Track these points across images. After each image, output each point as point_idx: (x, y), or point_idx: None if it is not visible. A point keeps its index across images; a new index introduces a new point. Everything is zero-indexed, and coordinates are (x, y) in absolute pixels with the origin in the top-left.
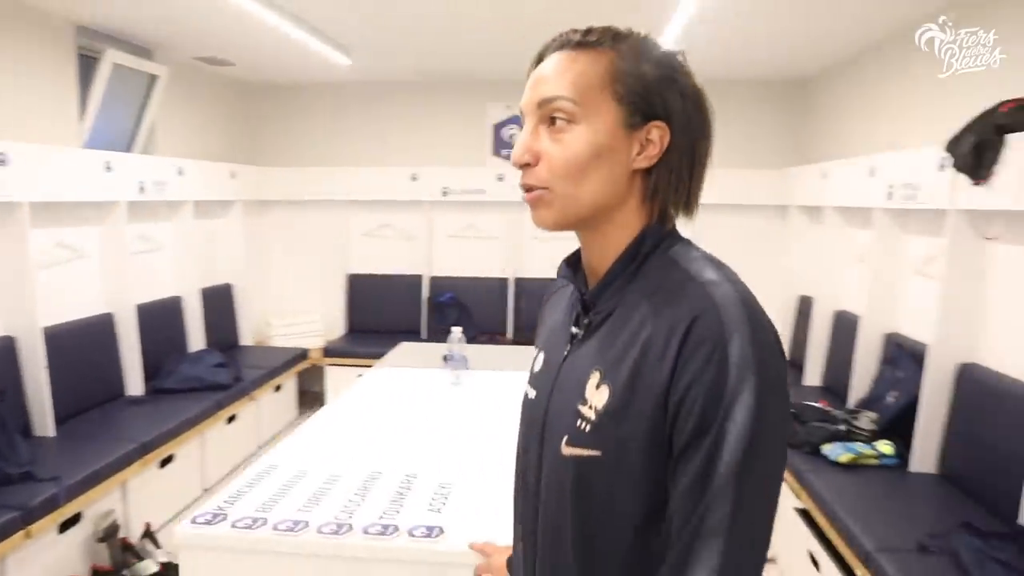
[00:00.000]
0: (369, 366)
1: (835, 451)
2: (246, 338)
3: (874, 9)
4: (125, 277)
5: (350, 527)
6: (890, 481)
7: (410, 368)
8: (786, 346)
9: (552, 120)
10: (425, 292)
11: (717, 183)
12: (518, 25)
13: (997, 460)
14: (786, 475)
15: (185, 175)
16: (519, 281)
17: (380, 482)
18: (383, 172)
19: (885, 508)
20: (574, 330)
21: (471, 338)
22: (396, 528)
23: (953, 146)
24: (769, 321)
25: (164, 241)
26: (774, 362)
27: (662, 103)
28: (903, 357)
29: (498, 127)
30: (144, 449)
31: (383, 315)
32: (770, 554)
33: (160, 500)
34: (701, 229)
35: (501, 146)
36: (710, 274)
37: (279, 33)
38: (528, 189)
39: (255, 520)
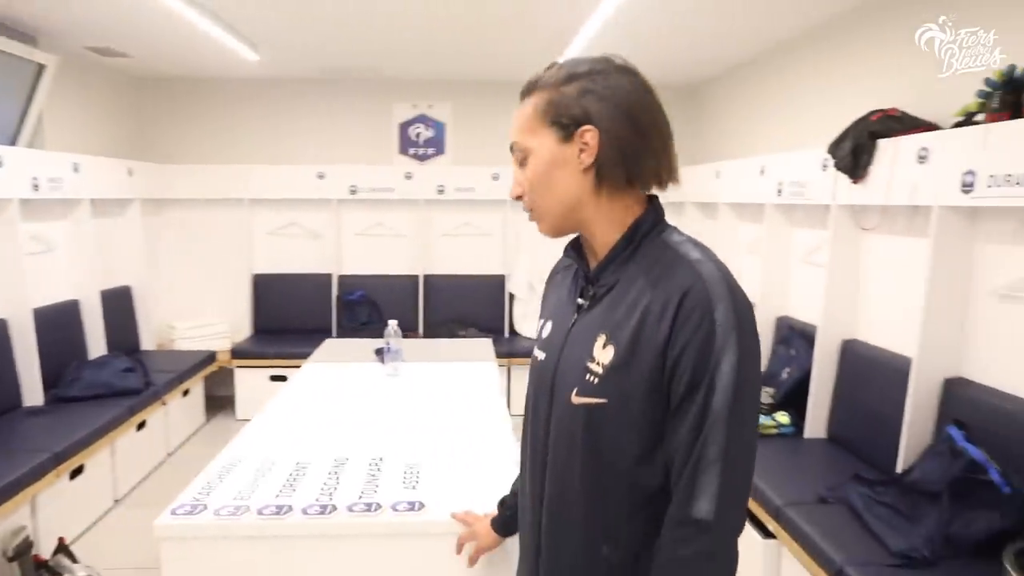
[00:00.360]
0: (281, 367)
1: None
2: (147, 342)
3: (760, 22)
4: (19, 280)
5: (334, 507)
6: (789, 447)
7: (342, 363)
8: None
9: (518, 158)
10: (335, 291)
11: None
12: (424, 25)
13: (875, 421)
14: None
15: (81, 172)
16: (428, 278)
17: (349, 466)
18: (289, 170)
19: (787, 469)
20: (580, 301)
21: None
22: (379, 505)
23: (834, 149)
24: (743, 292)
25: (59, 241)
26: (750, 324)
27: (583, 111)
28: (795, 337)
29: (404, 126)
30: (56, 460)
31: (291, 315)
32: None
33: (72, 513)
34: None
35: (408, 145)
36: (696, 254)
37: (180, 24)
38: (528, 211)
39: (237, 508)
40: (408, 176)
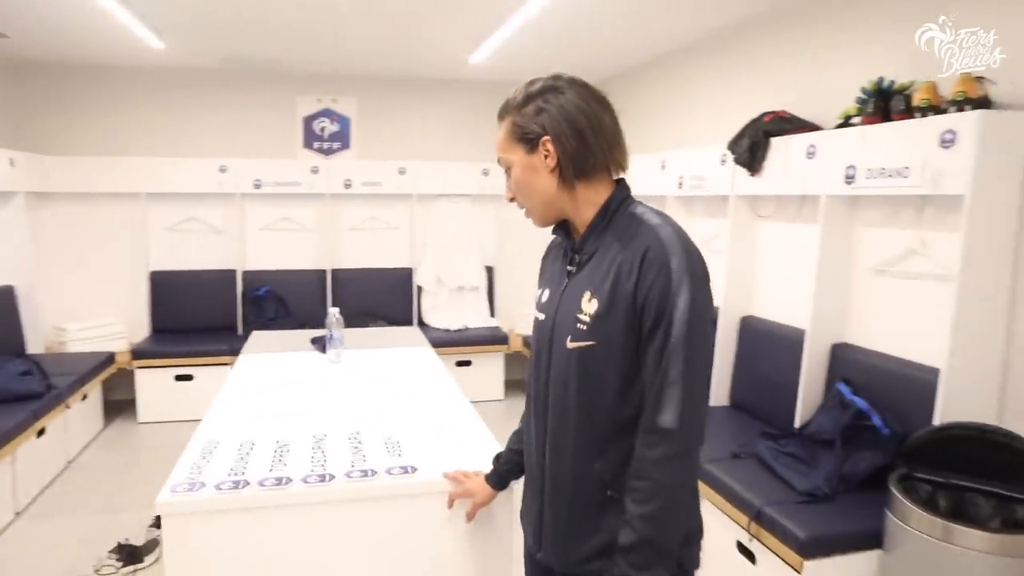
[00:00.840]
0: (187, 366)
1: None
2: (34, 345)
3: (661, 26)
4: None
5: (332, 476)
6: None
7: (279, 353)
8: None
9: (505, 169)
10: (239, 287)
11: None
12: (328, 19)
13: (773, 386)
14: None
15: None
16: (336, 272)
17: (330, 441)
18: (188, 163)
19: None
20: (569, 268)
21: (291, 330)
22: (374, 471)
23: (734, 146)
24: (695, 247)
25: None
26: (700, 272)
27: (540, 126)
28: None
29: (309, 120)
30: None
31: (193, 313)
32: None
33: None
34: (508, 220)
35: (312, 139)
36: (656, 220)
37: (71, 5)
38: (523, 210)
39: (237, 482)
40: (314, 170)
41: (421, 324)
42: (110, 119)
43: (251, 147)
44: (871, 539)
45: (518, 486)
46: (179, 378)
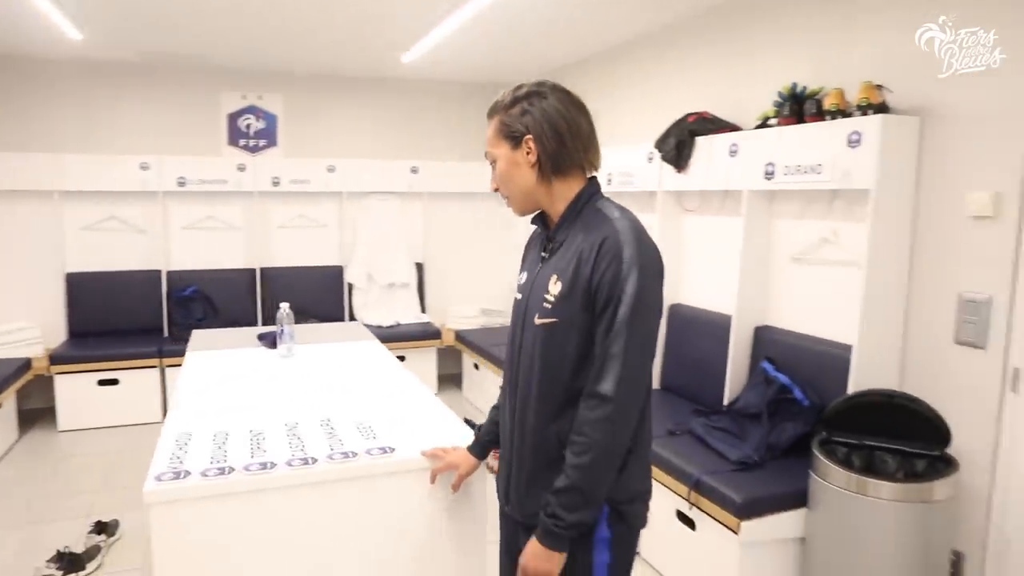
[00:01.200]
0: (111, 369)
1: None
2: None
3: (586, 31)
4: None
5: (315, 459)
6: None
7: (228, 349)
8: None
9: (491, 162)
10: (164, 287)
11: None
12: (253, 13)
13: (701, 368)
14: None
15: None
16: (266, 270)
17: (304, 428)
18: (107, 160)
19: None
20: (543, 255)
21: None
22: (355, 453)
23: (661, 144)
24: (650, 240)
25: None
26: (649, 262)
27: (523, 126)
28: None
29: (233, 116)
30: None
31: (114, 315)
32: None
33: None
34: (437, 218)
35: (238, 136)
36: (616, 214)
37: None
38: (504, 199)
39: (222, 468)
40: (241, 168)
41: (353, 321)
42: (20, 113)
43: (174, 144)
44: (797, 499)
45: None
46: (103, 383)
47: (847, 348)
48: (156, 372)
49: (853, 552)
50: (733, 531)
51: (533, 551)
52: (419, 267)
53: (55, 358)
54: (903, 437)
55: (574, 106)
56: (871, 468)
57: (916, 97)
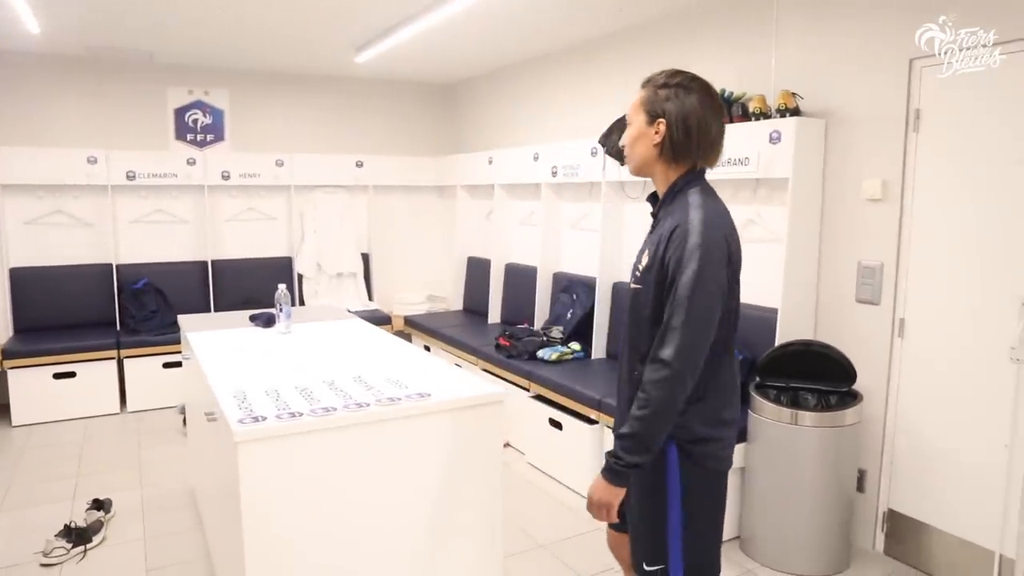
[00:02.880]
0: (67, 362)
1: (546, 353)
2: None
3: (526, 37)
4: None
5: (367, 403)
6: (584, 365)
7: (225, 329)
8: (460, 300)
9: (628, 122)
10: (115, 281)
11: (395, 169)
12: (203, 11)
13: None
14: (517, 377)
15: None
16: (216, 263)
17: (342, 383)
18: (52, 154)
19: (589, 378)
20: (649, 231)
21: (173, 321)
22: (398, 398)
23: (605, 140)
24: (719, 231)
25: None
26: (710, 250)
27: (662, 109)
28: (574, 285)
29: (180, 111)
30: None
31: (63, 310)
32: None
33: None
34: (382, 209)
35: (185, 131)
36: (696, 203)
37: None
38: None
39: (292, 414)
40: (191, 162)
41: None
42: None
43: (122, 139)
44: (739, 436)
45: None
46: (59, 376)
47: (772, 310)
48: (113, 364)
49: (783, 474)
50: None
51: (597, 483)
52: (365, 257)
53: (8, 352)
54: (819, 378)
55: (712, 109)
56: (796, 404)
57: (820, 102)
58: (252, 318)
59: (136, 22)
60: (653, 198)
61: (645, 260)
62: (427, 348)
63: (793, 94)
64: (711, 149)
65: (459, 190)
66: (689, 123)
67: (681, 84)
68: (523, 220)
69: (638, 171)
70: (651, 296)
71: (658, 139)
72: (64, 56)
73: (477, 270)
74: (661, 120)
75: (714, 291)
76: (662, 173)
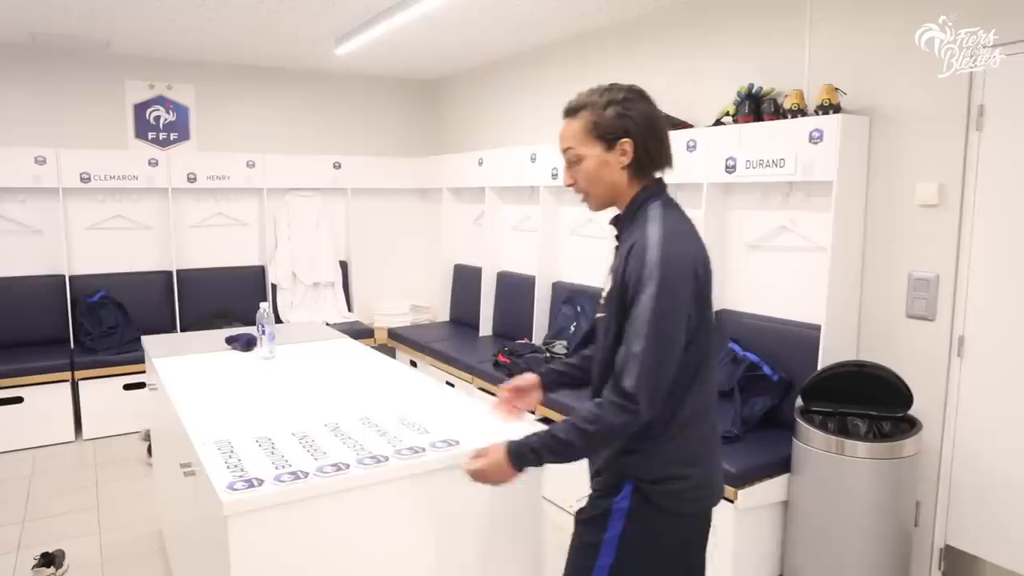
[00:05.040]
0: (14, 386)
1: None
2: None
3: (523, 27)
4: None
5: (385, 457)
6: None
7: (199, 355)
8: (446, 310)
9: (572, 159)
10: (68, 294)
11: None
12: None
13: None
14: None
15: None
16: (182, 273)
17: (347, 427)
18: None
19: None
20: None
21: (134, 338)
22: (423, 448)
23: None
24: (678, 247)
25: None
26: (673, 270)
27: (623, 128)
28: (579, 296)
29: (140, 108)
30: None
31: (8, 327)
32: None
33: None
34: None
35: (147, 129)
36: (655, 218)
37: None
38: (580, 196)
39: (294, 473)
40: (153, 163)
41: (279, 323)
42: None
43: (74, 137)
44: (780, 466)
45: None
46: (4, 401)
47: (813, 327)
48: (67, 387)
49: (833, 509)
50: (730, 500)
51: (497, 459)
52: (343, 265)
53: None
54: (868, 402)
55: (660, 113)
56: (844, 431)
57: (863, 98)
58: (229, 340)
59: (89, 6)
60: (616, 220)
61: (608, 284)
62: (413, 363)
63: (836, 89)
64: (670, 154)
65: (445, 193)
66: (659, 132)
67: (627, 97)
68: (517, 225)
69: (607, 204)
70: (614, 321)
71: (626, 160)
72: (6, 44)
73: (465, 278)
74: (625, 140)
75: (677, 312)
76: (628, 194)
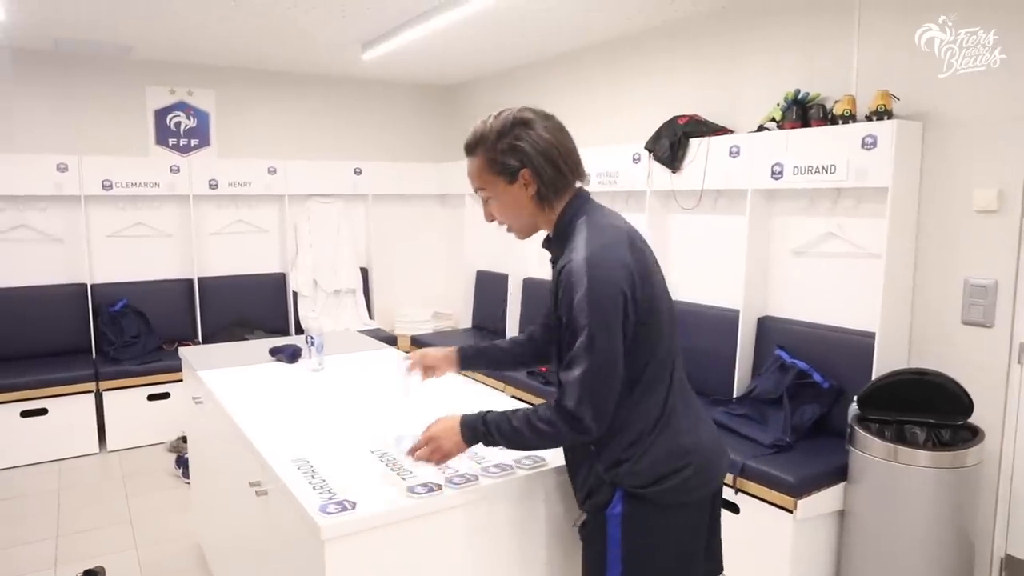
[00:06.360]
0: (37, 398)
1: None
2: None
3: (557, 31)
4: None
5: (474, 476)
6: None
7: (244, 367)
8: (468, 317)
9: (484, 198)
10: (91, 303)
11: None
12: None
13: (708, 361)
14: None
15: None
16: (203, 280)
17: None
18: (16, 160)
19: None
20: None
21: (156, 347)
22: (509, 465)
23: (652, 145)
24: (605, 267)
25: None
26: (599, 294)
27: (518, 159)
28: None
29: (161, 113)
30: None
31: (31, 337)
32: None
33: None
34: (376, 217)
35: (167, 135)
36: (581, 235)
37: None
38: (507, 229)
39: (385, 496)
40: (174, 169)
41: (300, 332)
42: None
43: (95, 144)
44: (835, 475)
45: None
46: (27, 413)
47: (866, 334)
48: (91, 398)
49: (892, 518)
50: (787, 510)
51: (451, 433)
52: (364, 272)
53: None
54: (925, 411)
55: (557, 129)
56: (901, 439)
57: (915, 103)
58: (273, 352)
59: (111, 12)
60: (547, 243)
61: (548, 306)
62: None
63: (891, 95)
64: (577, 163)
65: (467, 199)
66: (551, 155)
67: (516, 123)
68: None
69: (532, 230)
70: (555, 344)
71: (532, 190)
72: (28, 51)
73: (489, 285)
74: (523, 171)
75: (612, 330)
76: (547, 218)
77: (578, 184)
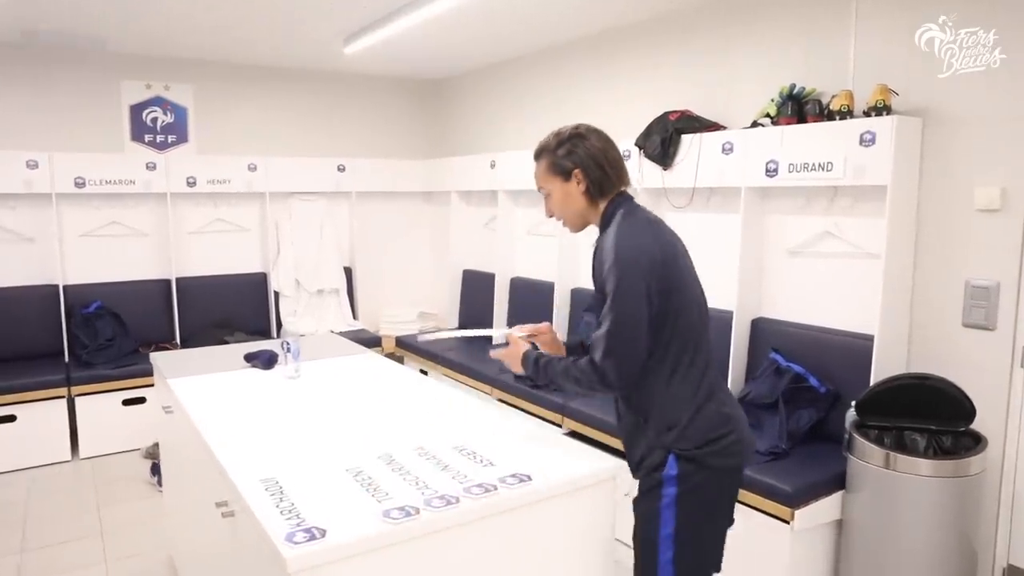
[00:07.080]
0: (5, 404)
1: None
2: None
3: (543, 25)
4: None
5: (455, 498)
6: None
7: (215, 374)
8: (455, 317)
9: (545, 194)
10: (63, 305)
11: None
12: None
13: None
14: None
15: None
16: (181, 281)
17: (402, 460)
18: None
19: None
20: None
21: (132, 350)
22: (494, 486)
23: (643, 141)
24: (630, 243)
25: None
26: (628, 261)
27: (571, 163)
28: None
29: (137, 109)
30: None
31: (2, 339)
32: None
33: None
34: (359, 215)
35: (143, 131)
36: (615, 223)
37: None
38: (561, 222)
39: (357, 522)
40: (151, 167)
41: (281, 332)
42: None
43: (68, 140)
44: (833, 483)
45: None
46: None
47: (864, 337)
48: (63, 403)
49: (892, 528)
50: (783, 520)
51: (517, 351)
52: (348, 271)
53: None
54: (924, 416)
55: (606, 141)
56: (901, 446)
57: (914, 99)
58: (248, 357)
59: (83, 2)
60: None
61: (592, 285)
62: (424, 372)
63: (890, 90)
64: (621, 170)
65: (453, 196)
66: (598, 159)
67: (573, 135)
68: (531, 229)
69: (582, 225)
70: (598, 306)
71: (583, 186)
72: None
73: (475, 284)
74: (576, 170)
75: (636, 294)
76: (595, 212)
77: (622, 188)
